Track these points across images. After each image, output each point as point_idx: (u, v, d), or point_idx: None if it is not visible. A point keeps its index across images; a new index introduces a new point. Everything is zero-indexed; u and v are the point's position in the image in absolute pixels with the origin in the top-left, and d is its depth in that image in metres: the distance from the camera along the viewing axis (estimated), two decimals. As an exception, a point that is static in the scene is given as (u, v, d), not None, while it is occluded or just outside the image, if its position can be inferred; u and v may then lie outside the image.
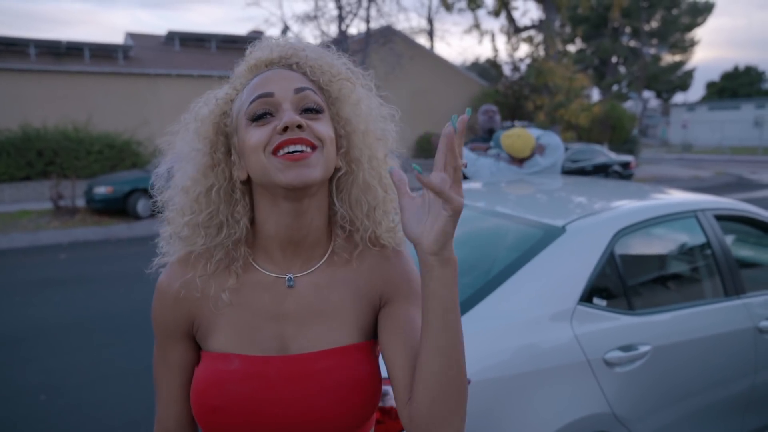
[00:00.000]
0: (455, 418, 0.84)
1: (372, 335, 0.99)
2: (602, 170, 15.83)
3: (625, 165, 16.38)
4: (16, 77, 16.07)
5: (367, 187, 0.95)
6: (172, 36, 21.05)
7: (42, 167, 14.24)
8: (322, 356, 0.92)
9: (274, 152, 0.84)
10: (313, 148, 0.85)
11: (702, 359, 2.36)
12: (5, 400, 3.74)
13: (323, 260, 0.97)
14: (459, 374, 0.84)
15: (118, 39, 26.62)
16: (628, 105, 34.72)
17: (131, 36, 21.63)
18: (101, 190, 11.34)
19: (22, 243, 9.36)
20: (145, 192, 11.53)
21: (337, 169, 0.94)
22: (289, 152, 0.84)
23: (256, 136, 0.86)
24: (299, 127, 0.84)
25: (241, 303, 0.94)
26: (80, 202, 12.10)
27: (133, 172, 12.91)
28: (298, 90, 0.89)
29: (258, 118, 0.87)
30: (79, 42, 17.61)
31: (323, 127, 0.88)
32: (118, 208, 11.34)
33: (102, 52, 18.23)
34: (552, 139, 4.03)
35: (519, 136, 3.91)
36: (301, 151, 0.84)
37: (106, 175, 13.14)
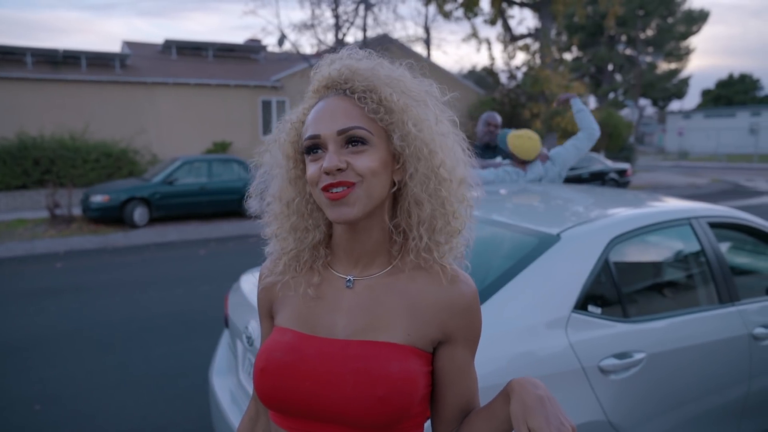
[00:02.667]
0: None
1: (420, 346, 1.02)
2: (598, 178, 15.88)
3: (622, 172, 16.44)
4: (13, 86, 16.08)
5: (418, 201, 1.01)
6: (169, 44, 21.10)
7: (38, 176, 14.23)
8: (358, 344, 1.00)
9: (323, 189, 0.96)
10: (353, 184, 0.95)
11: (697, 366, 2.37)
12: (0, 411, 3.72)
13: (384, 270, 1.06)
14: None
15: (115, 47, 26.68)
16: (625, 113, 34.83)
17: (128, 44, 21.67)
18: (97, 198, 11.32)
19: (18, 252, 9.34)
20: (142, 201, 11.53)
21: (394, 184, 1.02)
22: (330, 191, 0.95)
23: (310, 170, 0.98)
24: (339, 170, 0.94)
25: (306, 292, 1.08)
26: (76, 211, 12.09)
27: (130, 180, 12.90)
28: (341, 132, 0.96)
29: (310, 153, 0.99)
30: (76, 51, 17.63)
31: (366, 161, 0.96)
32: (115, 216, 11.32)
33: (99, 60, 18.26)
34: (559, 152, 4.03)
35: (530, 137, 3.80)
36: (341, 191, 0.94)
37: (102, 183, 13.12)
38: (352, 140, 0.96)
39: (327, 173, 0.94)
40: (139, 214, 11.46)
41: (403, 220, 1.03)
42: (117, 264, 8.40)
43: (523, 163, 3.82)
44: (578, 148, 3.83)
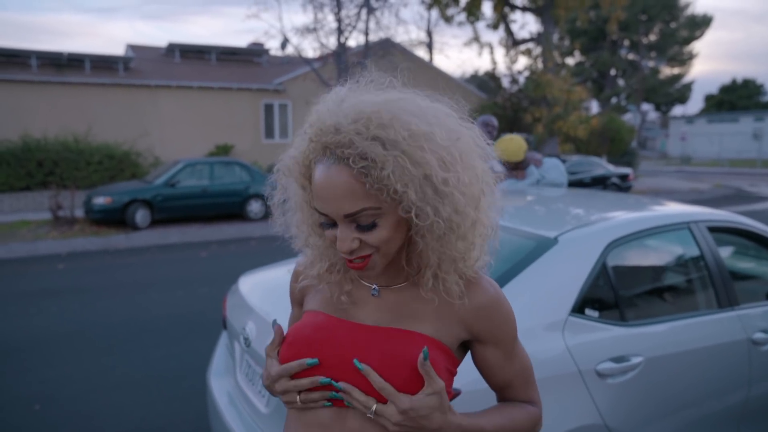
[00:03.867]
0: None
1: (446, 342, 1.06)
2: (600, 182, 15.87)
3: (624, 177, 16.43)
4: (18, 88, 16.15)
5: (425, 254, 1.01)
6: (172, 48, 21.18)
7: (42, 177, 14.28)
8: (386, 330, 1.05)
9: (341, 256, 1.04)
10: (369, 255, 0.98)
11: (695, 371, 2.36)
12: (-1, 411, 3.73)
13: (405, 283, 1.09)
14: None
15: (118, 51, 26.78)
16: (627, 117, 34.82)
17: (132, 48, 21.76)
18: (100, 200, 11.35)
19: (20, 253, 9.36)
20: (144, 203, 11.55)
21: (407, 220, 0.98)
22: (350, 262, 1.00)
23: (328, 234, 1.00)
24: (352, 250, 0.96)
25: (337, 291, 1.12)
26: (79, 213, 12.12)
27: (132, 182, 12.94)
28: (348, 216, 0.94)
29: (324, 225, 1.01)
30: (80, 53, 17.72)
31: (377, 236, 0.96)
32: (117, 218, 11.35)
33: (103, 63, 18.34)
34: (552, 161, 4.14)
35: (511, 139, 3.99)
36: (359, 263, 0.99)
37: (105, 185, 13.16)
38: (359, 225, 0.95)
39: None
40: (141, 216, 11.49)
41: (415, 259, 1.05)
42: (118, 265, 8.41)
43: (516, 168, 3.94)
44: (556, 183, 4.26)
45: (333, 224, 0.98)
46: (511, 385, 1.17)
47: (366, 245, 0.97)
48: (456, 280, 1.04)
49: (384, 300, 1.09)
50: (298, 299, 1.24)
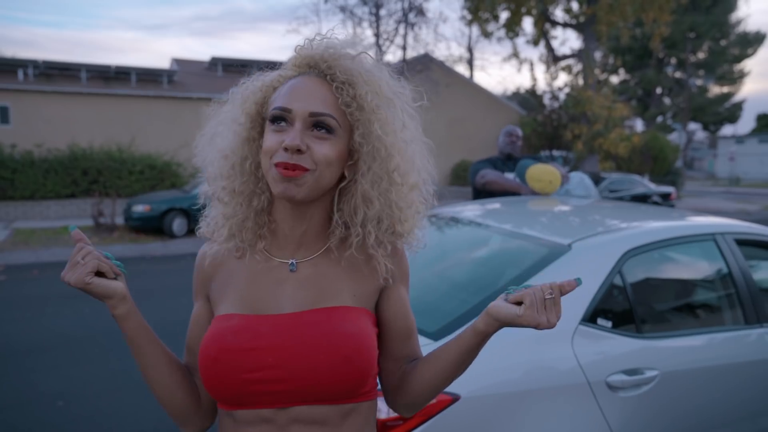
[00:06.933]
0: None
1: (366, 305, 1.07)
2: (641, 201, 15.46)
3: (665, 196, 15.96)
4: (68, 100, 16.82)
5: (366, 199, 1.02)
6: (215, 62, 21.74)
7: (86, 185, 14.76)
8: (309, 313, 1.01)
9: (276, 163, 0.96)
10: (307, 170, 0.95)
11: (717, 389, 2.24)
12: (25, 404, 3.83)
13: (320, 251, 1.07)
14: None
15: (164, 64, 27.69)
16: (672, 137, 33.98)
17: (176, 61, 22.42)
18: (139, 208, 11.65)
19: (62, 257, 9.66)
20: (182, 211, 11.80)
21: (343, 178, 1.03)
22: (283, 168, 0.95)
23: (269, 141, 0.97)
24: (299, 150, 0.94)
25: (248, 279, 1.06)
26: (119, 220, 12.46)
27: (171, 192, 13.25)
28: (313, 114, 0.96)
29: (275, 122, 0.98)
30: (126, 66, 18.37)
31: (325, 149, 0.96)
32: (155, 226, 11.61)
33: (148, 76, 18.95)
34: (578, 177, 4.04)
35: (550, 182, 3.77)
36: (293, 169, 0.94)
37: (145, 194, 13.51)
38: (319, 125, 0.97)
39: (286, 150, 0.94)
40: (178, 224, 11.73)
41: (348, 216, 1.04)
42: (153, 272, 8.59)
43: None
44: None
45: (283, 124, 0.96)
46: (413, 333, 1.15)
47: (309, 157, 0.95)
48: (390, 240, 1.06)
49: (302, 276, 1.05)
50: (202, 290, 1.12)
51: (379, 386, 1.14)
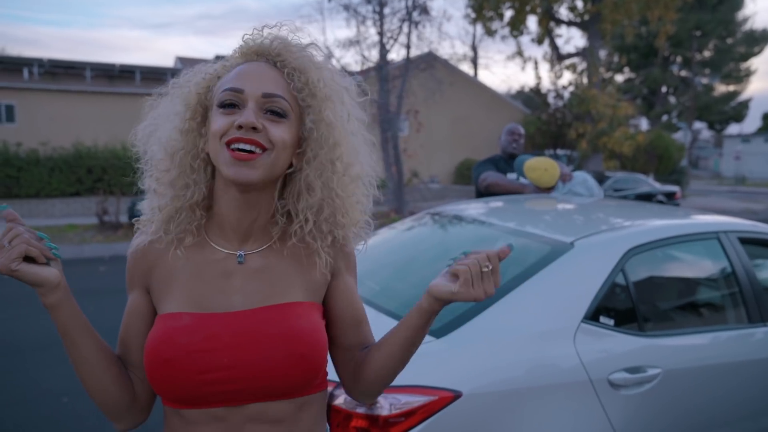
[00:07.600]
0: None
1: (315, 299, 1.07)
2: (645, 200, 15.43)
3: (670, 195, 15.90)
4: (72, 98, 16.89)
5: (309, 187, 1.01)
6: (218, 60, 21.76)
7: (91, 184, 14.83)
8: (262, 310, 1.00)
9: (228, 144, 0.92)
10: (263, 149, 0.93)
11: (720, 387, 2.24)
12: (30, 400, 3.86)
13: (270, 243, 1.06)
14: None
15: (169, 63, 27.78)
16: (678, 135, 33.83)
17: (180, 60, 22.49)
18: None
19: (67, 255, 9.70)
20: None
21: (289, 167, 1.01)
22: (239, 149, 0.92)
23: (218, 123, 0.94)
24: (254, 128, 0.92)
25: (194, 274, 1.02)
26: (123, 218, 12.49)
27: (176, 190, 13.26)
28: (266, 95, 0.95)
29: (225, 107, 0.95)
30: (131, 65, 18.46)
31: (280, 132, 0.95)
32: (159, 224, 11.62)
33: (152, 74, 19.01)
34: (581, 176, 4.02)
35: (546, 169, 3.80)
36: (250, 152, 0.92)
37: (150, 192, 13.52)
38: (272, 110, 0.96)
39: (241, 127, 0.91)
40: (183, 222, 11.74)
41: (291, 203, 1.03)
42: (157, 269, 8.62)
43: (546, 190, 3.81)
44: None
45: (233, 108, 0.95)
46: (362, 321, 1.14)
47: (266, 134, 0.93)
48: (330, 230, 1.05)
49: (251, 268, 1.02)
50: (140, 281, 1.05)
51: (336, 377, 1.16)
